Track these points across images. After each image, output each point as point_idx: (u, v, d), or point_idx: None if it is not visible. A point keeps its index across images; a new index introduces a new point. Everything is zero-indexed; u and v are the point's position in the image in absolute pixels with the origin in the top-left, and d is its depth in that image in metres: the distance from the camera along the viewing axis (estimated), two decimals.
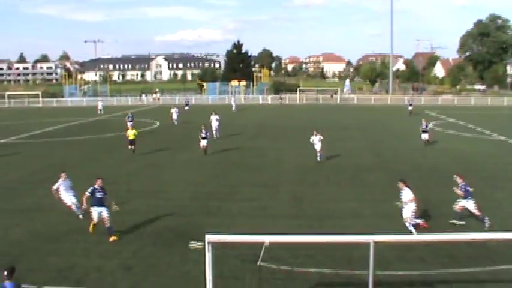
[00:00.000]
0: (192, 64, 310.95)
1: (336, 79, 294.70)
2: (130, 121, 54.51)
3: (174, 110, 68.46)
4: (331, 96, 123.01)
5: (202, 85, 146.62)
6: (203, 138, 40.94)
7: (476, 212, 22.04)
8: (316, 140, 38.54)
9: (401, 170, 33.88)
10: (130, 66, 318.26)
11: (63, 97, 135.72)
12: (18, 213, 25.17)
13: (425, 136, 44.48)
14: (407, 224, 20.78)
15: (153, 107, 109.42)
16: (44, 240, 21.09)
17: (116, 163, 37.77)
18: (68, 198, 23.56)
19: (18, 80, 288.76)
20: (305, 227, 21.92)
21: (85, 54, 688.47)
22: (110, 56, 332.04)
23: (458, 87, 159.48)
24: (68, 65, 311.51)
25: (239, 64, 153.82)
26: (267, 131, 57.67)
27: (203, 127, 41.20)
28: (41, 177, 33.32)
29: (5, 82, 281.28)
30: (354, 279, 16.06)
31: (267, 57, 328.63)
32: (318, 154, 37.86)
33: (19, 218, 24.39)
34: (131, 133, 42.29)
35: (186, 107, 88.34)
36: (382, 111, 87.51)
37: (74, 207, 23.45)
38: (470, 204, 22.36)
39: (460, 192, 22.69)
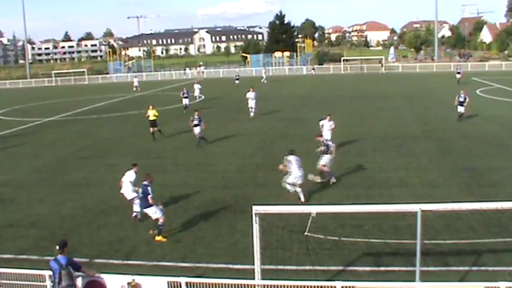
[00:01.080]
0: (235, 37, 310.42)
1: (380, 47, 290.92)
2: (186, 97, 52.87)
3: (196, 86, 64.82)
4: (380, 63, 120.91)
5: (246, 57, 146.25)
6: (195, 126, 35.32)
7: None
8: (327, 127, 30.98)
9: (448, 138, 33.54)
10: (173, 40, 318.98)
11: (108, 74, 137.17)
12: (69, 189, 25.71)
13: (461, 109, 40.03)
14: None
15: (198, 80, 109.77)
16: (94, 215, 21.52)
17: (162, 137, 38.09)
18: (131, 194, 21.98)
19: (64, 59, 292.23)
20: (352, 196, 21.87)
21: (128, 31, 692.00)
22: (153, 31, 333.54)
23: (506, 52, 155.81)
24: (112, 41, 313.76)
25: (282, 35, 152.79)
26: (312, 102, 57.33)
27: (196, 113, 35.30)
28: (90, 153, 33.94)
29: (52, 61, 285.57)
30: (401, 248, 16.00)
31: (310, 28, 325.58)
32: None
33: (70, 193, 24.91)
34: (151, 113, 38.32)
35: (237, 81, 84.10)
36: (427, 79, 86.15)
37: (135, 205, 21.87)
38: None
39: None
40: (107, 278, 12.77)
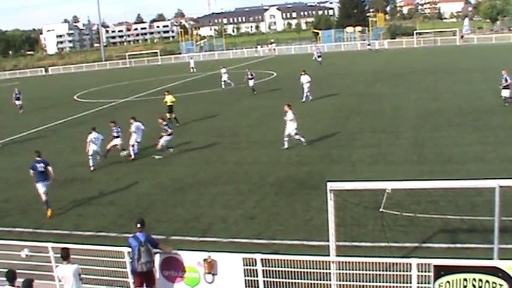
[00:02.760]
0: (306, 13, 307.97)
1: (454, 19, 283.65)
2: (251, 78, 50.25)
3: (222, 71, 57.74)
4: (460, 35, 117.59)
5: (317, 33, 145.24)
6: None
7: None
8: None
9: None
10: (244, 18, 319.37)
11: (180, 54, 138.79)
12: (145, 168, 26.30)
13: (505, 93, 34.11)
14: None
15: (270, 57, 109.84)
16: (170, 193, 21.95)
17: (235, 115, 38.39)
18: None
19: (137, 40, 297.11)
20: (427, 172, 21.56)
21: (199, 10, 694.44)
22: (223, 10, 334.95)
23: None
24: (183, 22, 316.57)
25: (353, 10, 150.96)
26: (385, 77, 56.53)
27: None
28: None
29: (125, 43, 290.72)
30: (478, 225, 15.72)
31: (381, 1, 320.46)
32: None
33: (146, 172, 25.47)
34: (168, 99, 37.78)
35: (319, 58, 77.45)
36: (504, 50, 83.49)
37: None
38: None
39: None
40: (184, 255, 13.02)
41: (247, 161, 25.94)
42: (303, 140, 27.76)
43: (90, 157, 27.05)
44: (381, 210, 14.64)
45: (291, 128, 27.68)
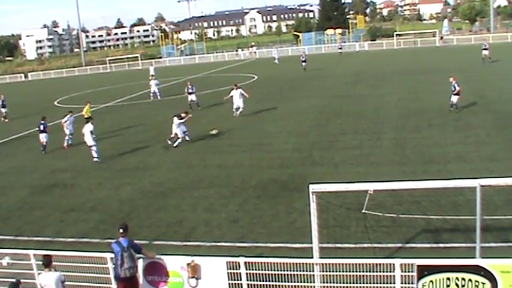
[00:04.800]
0: (286, 16, 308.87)
1: (434, 21, 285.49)
2: (191, 92, 44.50)
3: (153, 83, 54.82)
4: (439, 36, 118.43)
5: (298, 36, 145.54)
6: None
7: None
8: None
9: (507, 111, 32.76)
10: (224, 22, 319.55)
11: (161, 58, 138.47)
12: (127, 173, 26.19)
13: (454, 99, 33.83)
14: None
15: (250, 61, 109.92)
16: (152, 197, 21.86)
17: (217, 118, 38.37)
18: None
19: (118, 45, 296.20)
20: (409, 172, 21.65)
21: (179, 14, 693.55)
22: (204, 14, 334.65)
23: None
24: (163, 26, 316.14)
25: (333, 12, 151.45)
26: (366, 78, 56.71)
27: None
28: (145, 137, 34.46)
29: (105, 48, 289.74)
30: (460, 224, 15.81)
31: (361, 3, 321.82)
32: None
33: (128, 177, 25.37)
34: (86, 109, 38.89)
35: (304, 63, 74.41)
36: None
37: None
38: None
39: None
40: (167, 259, 12.99)
41: (230, 164, 25.92)
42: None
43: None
44: (363, 211, 14.69)
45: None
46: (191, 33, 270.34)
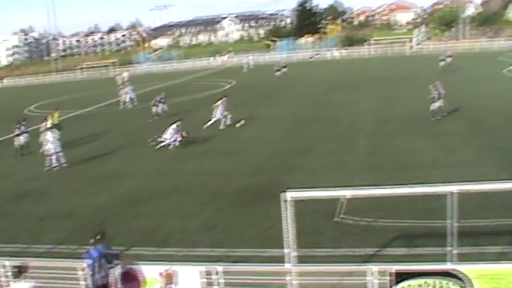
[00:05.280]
0: (261, 22, 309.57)
1: (408, 28, 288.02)
2: (160, 102, 44.36)
3: (127, 90, 55.39)
4: (410, 44, 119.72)
5: (272, 43, 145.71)
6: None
7: None
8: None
9: (479, 117, 33.14)
10: (200, 28, 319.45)
11: (137, 64, 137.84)
12: (101, 180, 26.01)
13: (433, 106, 33.73)
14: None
15: (226, 67, 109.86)
16: (127, 204, 21.74)
17: (193, 125, 38.27)
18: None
19: (93, 51, 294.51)
20: (383, 179, 21.70)
21: (156, 20, 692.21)
22: (180, 20, 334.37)
23: None
24: (139, 32, 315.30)
25: (308, 19, 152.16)
26: (341, 85, 56.95)
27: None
28: (120, 144, 34.27)
29: (80, 54, 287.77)
30: (434, 230, 15.89)
31: (336, 10, 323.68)
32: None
33: (103, 184, 25.21)
34: (53, 117, 38.52)
35: (281, 71, 72.13)
36: (456, 57, 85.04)
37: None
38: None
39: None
40: (143, 267, 12.91)
41: (205, 171, 25.86)
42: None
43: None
44: (338, 217, 14.72)
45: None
46: (167, 39, 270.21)
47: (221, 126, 36.15)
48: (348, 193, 12.91)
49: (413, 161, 24.40)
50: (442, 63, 63.46)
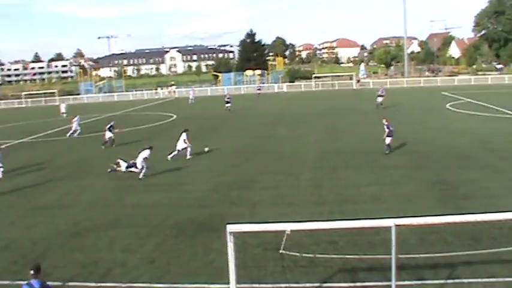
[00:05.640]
0: (206, 55, 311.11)
1: (351, 64, 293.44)
2: (110, 130, 44.72)
3: (75, 120, 54.18)
4: (356, 79, 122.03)
5: (217, 76, 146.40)
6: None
7: None
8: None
9: (420, 152, 33.86)
10: (144, 60, 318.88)
11: (79, 94, 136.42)
12: (41, 211, 25.41)
13: (388, 141, 34.86)
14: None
15: (170, 100, 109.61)
16: (67, 237, 21.27)
17: (134, 157, 37.91)
18: None
19: (34, 80, 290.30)
20: (326, 213, 21.91)
21: (99, 51, 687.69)
22: (123, 51, 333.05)
23: (474, 66, 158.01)
24: (82, 62, 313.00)
25: (253, 53, 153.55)
26: (284, 119, 57.44)
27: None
28: (62, 175, 33.63)
29: (21, 82, 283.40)
30: (377, 264, 16.04)
31: (280, 45, 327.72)
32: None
33: (42, 215, 24.62)
34: None
35: (228, 105, 72.25)
36: (397, 94, 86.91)
37: None
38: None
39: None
40: None
41: (147, 203, 25.57)
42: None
43: None
44: (281, 251, 14.70)
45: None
46: (110, 70, 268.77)
47: (188, 156, 36.06)
48: (290, 227, 12.93)
49: (356, 195, 24.67)
50: (380, 99, 64.06)
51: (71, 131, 53.19)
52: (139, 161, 31.18)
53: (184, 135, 36.25)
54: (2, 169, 33.72)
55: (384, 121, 35.44)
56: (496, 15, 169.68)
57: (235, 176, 30.47)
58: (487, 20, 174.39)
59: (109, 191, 28.87)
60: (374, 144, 37.66)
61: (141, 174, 30.95)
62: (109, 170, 32.81)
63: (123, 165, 32.03)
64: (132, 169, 31.47)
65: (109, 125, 44.98)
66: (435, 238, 17.96)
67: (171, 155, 35.78)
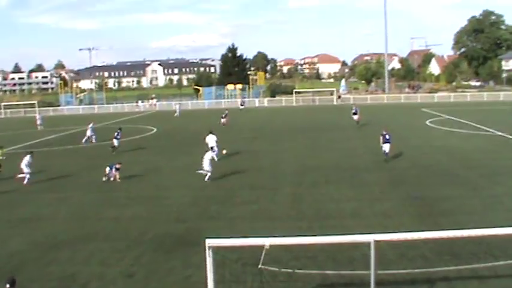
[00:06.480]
0: (187, 69, 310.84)
1: (332, 80, 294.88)
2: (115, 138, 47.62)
3: (89, 127, 56.92)
4: (338, 95, 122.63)
5: (198, 90, 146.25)
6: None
7: None
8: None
9: (400, 168, 34.06)
10: (125, 73, 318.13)
11: (59, 106, 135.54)
12: (18, 223, 25.16)
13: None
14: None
15: (150, 113, 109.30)
16: (44, 250, 21.06)
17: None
18: None
19: (14, 90, 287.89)
20: (305, 228, 21.91)
21: (80, 63, 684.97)
22: (105, 64, 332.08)
23: (454, 83, 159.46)
24: (63, 73, 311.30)
25: (234, 68, 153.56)
26: (265, 134, 57.49)
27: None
28: (40, 187, 33.37)
29: (1, 93, 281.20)
30: (356, 279, 16.03)
31: (262, 60, 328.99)
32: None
33: (19, 228, 24.37)
34: None
35: (223, 119, 70.89)
36: (378, 110, 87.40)
37: None
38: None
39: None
40: None
41: (126, 217, 25.41)
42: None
43: None
44: (259, 266, 14.64)
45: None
46: (91, 82, 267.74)
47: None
48: (269, 242, 12.89)
49: (336, 211, 24.73)
50: (355, 117, 62.39)
51: (86, 138, 55.11)
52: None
53: (213, 137, 40.90)
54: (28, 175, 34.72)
55: (384, 130, 37.46)
56: (475, 33, 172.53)
57: (215, 190, 30.40)
58: (466, 38, 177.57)
59: (87, 203, 28.64)
60: (354, 160, 37.91)
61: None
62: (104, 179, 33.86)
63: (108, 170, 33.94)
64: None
65: (116, 133, 47.71)
66: (414, 254, 18.03)
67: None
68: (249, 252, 16.98)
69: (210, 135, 41.77)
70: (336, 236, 14.11)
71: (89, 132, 55.62)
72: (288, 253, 17.68)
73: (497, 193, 27.26)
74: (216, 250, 12.95)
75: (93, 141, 54.80)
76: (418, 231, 15.47)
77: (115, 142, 47.41)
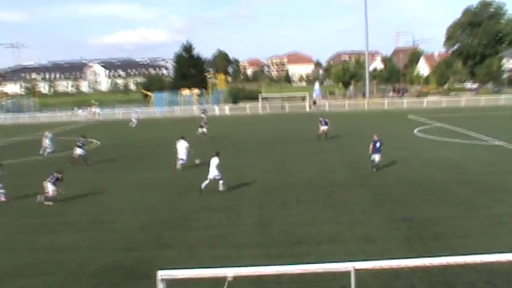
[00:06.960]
0: (135, 71, 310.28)
1: (304, 83, 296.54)
2: (80, 147, 49.82)
3: (46, 135, 58.83)
4: (312, 100, 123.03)
5: (148, 95, 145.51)
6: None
7: None
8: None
9: (383, 185, 34.30)
10: (60, 75, 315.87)
11: None
12: None
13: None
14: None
15: (92, 123, 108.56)
16: None
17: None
18: None
19: None
20: (274, 255, 21.96)
21: (3, 62, 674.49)
22: (35, 64, 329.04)
23: (446, 86, 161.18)
24: None
25: (190, 69, 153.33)
26: (226, 146, 57.38)
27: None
28: None
29: None
30: None
31: (222, 60, 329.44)
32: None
33: None
34: None
35: (202, 129, 71.05)
36: (358, 118, 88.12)
37: None
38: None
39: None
40: None
41: (63, 246, 25.18)
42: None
43: None
44: None
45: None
46: (20, 86, 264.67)
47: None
48: (232, 272, 12.90)
49: (310, 235, 24.78)
50: (324, 128, 61.09)
51: (42, 149, 56.34)
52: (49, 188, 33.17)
53: (184, 143, 43.52)
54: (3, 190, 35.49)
55: (375, 137, 38.26)
56: (471, 27, 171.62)
57: (168, 213, 30.33)
58: (460, 33, 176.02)
59: (16, 231, 28.32)
60: (330, 175, 38.11)
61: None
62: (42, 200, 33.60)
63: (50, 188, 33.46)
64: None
65: (79, 142, 49.50)
66: (401, 284, 18.17)
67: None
68: (209, 285, 16.99)
69: (182, 141, 43.88)
70: (311, 264, 14.15)
71: (46, 143, 57.06)
72: (255, 285, 17.70)
73: (496, 213, 27.60)
74: (170, 283, 12.94)
75: (45, 154, 55.99)
76: (405, 257, 15.66)
77: (79, 151, 49.00)
